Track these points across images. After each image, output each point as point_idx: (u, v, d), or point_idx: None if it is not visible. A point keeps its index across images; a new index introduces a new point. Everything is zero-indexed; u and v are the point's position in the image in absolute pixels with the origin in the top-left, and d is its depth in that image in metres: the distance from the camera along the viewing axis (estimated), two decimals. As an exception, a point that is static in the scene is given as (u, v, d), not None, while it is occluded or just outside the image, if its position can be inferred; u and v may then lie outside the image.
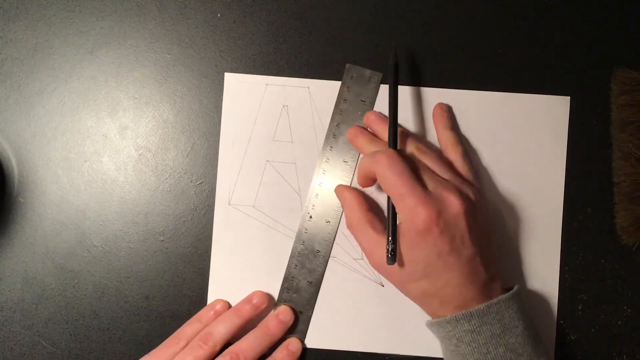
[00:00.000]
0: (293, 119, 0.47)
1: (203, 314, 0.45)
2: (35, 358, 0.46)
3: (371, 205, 0.45)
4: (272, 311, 0.46)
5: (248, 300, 0.45)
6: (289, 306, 0.45)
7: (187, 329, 0.44)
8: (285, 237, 0.46)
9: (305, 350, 0.46)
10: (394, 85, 0.43)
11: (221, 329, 0.43)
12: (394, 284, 0.42)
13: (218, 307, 0.45)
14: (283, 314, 0.45)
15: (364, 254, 0.46)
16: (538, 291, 0.46)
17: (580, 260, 0.46)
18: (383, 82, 0.46)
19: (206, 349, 0.42)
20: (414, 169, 0.40)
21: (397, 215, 0.40)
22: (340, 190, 0.45)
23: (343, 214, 0.46)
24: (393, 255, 0.39)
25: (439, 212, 0.39)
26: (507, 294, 0.40)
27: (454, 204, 0.39)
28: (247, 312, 0.44)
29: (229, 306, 0.46)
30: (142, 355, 0.44)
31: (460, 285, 0.39)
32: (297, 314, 0.46)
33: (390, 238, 0.39)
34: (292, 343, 0.45)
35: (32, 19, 0.47)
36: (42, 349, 0.46)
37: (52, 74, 0.47)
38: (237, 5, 0.47)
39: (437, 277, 0.39)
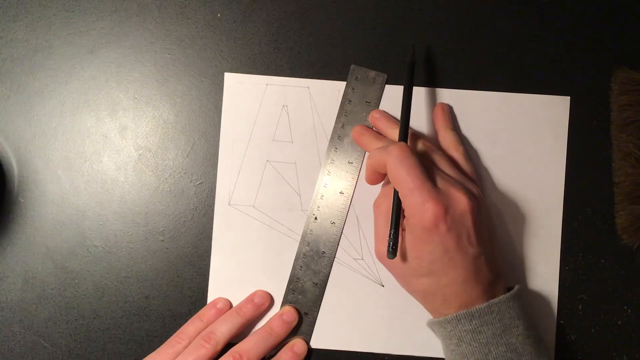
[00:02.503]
0: (293, 119, 0.47)
1: (204, 313, 0.45)
2: (35, 358, 0.46)
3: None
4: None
5: (249, 299, 0.45)
6: (293, 307, 0.45)
7: (189, 327, 0.44)
8: (285, 236, 0.46)
9: (308, 351, 0.46)
10: (409, 80, 0.43)
11: (223, 328, 0.43)
12: (396, 277, 0.42)
13: (219, 305, 0.45)
14: (287, 314, 0.45)
15: (364, 252, 0.46)
16: (538, 291, 0.46)
17: (580, 260, 0.46)
18: (388, 83, 0.47)
19: (208, 348, 0.42)
20: (423, 164, 0.40)
21: (405, 210, 0.40)
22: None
23: (349, 212, 0.46)
24: (394, 250, 0.39)
25: (447, 208, 0.39)
26: (508, 294, 0.40)
27: (461, 201, 0.39)
28: (248, 311, 0.44)
29: (230, 304, 0.46)
30: (142, 356, 0.44)
31: (465, 283, 0.39)
32: (301, 315, 0.46)
33: (392, 232, 0.39)
34: (297, 344, 0.45)
35: (32, 19, 0.47)
36: (42, 349, 0.46)
37: (52, 74, 0.47)
38: (237, 5, 0.47)
39: (442, 274, 0.39)
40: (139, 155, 0.47)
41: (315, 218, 0.46)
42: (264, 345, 0.44)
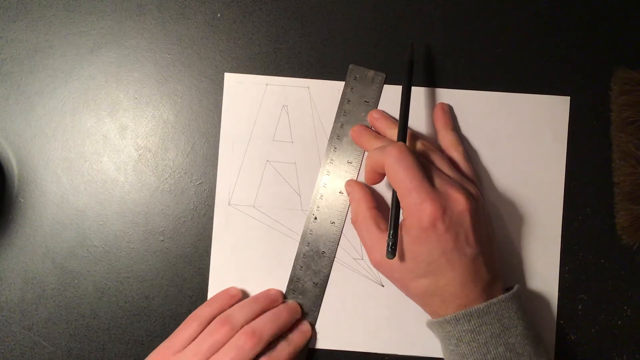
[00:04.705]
0: (293, 119, 0.47)
1: (218, 297, 0.45)
2: (35, 358, 0.46)
3: (378, 204, 0.45)
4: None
5: (265, 293, 0.45)
6: (296, 302, 0.46)
7: (202, 309, 0.44)
8: (285, 237, 0.46)
9: (309, 351, 0.46)
10: (408, 80, 0.43)
11: (239, 314, 0.43)
12: (394, 282, 0.42)
13: (233, 292, 0.45)
14: (291, 305, 0.45)
15: (364, 252, 0.46)
16: (538, 291, 0.46)
17: (580, 260, 0.46)
18: (386, 82, 0.47)
19: (224, 333, 0.42)
20: (421, 164, 0.40)
21: (402, 211, 0.40)
22: (349, 185, 0.45)
23: (349, 212, 0.46)
24: (393, 250, 0.39)
25: (445, 208, 0.39)
26: (507, 294, 0.40)
27: (459, 201, 0.39)
28: (265, 301, 0.44)
29: (243, 293, 0.46)
30: (142, 356, 0.44)
31: (463, 284, 0.39)
32: (303, 313, 0.46)
33: (391, 232, 0.39)
34: (305, 324, 0.45)
35: (32, 19, 0.47)
36: (42, 349, 0.46)
37: (52, 74, 0.47)
38: (237, 5, 0.47)
39: (440, 275, 0.39)
40: (139, 155, 0.47)
41: (315, 218, 0.46)
42: (276, 324, 0.43)
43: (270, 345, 0.43)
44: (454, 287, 0.39)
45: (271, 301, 0.45)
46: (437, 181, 0.40)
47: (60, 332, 0.46)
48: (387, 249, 0.39)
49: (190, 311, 0.46)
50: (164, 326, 0.46)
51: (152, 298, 0.46)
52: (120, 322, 0.46)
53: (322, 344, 0.46)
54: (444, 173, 0.41)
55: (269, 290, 0.46)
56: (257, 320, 0.43)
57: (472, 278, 0.39)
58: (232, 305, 0.44)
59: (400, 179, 0.39)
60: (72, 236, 0.46)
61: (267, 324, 0.43)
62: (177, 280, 0.46)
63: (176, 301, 0.46)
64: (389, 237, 0.39)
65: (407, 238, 0.39)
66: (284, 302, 0.46)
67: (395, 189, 0.40)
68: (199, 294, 0.46)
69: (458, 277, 0.39)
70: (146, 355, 0.44)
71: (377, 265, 0.42)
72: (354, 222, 0.43)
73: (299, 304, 0.46)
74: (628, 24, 0.47)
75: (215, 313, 0.44)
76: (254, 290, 0.46)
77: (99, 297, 0.46)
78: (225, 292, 0.45)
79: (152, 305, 0.46)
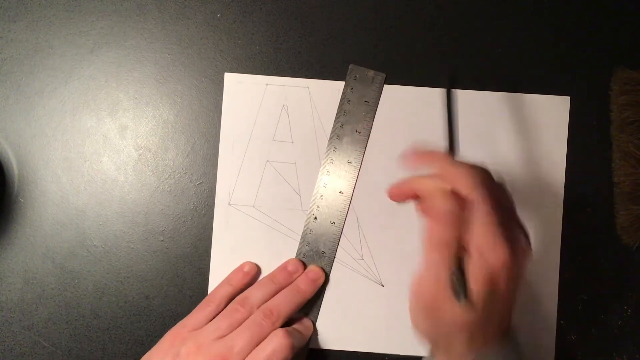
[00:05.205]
0: (293, 119, 0.47)
1: (232, 277, 0.45)
2: (35, 358, 0.46)
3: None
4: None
5: (283, 267, 0.45)
6: (319, 266, 0.46)
7: (218, 290, 0.44)
8: (285, 237, 0.46)
9: (309, 352, 0.46)
10: (448, 107, 0.39)
11: (257, 294, 0.43)
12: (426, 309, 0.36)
13: (246, 269, 0.45)
14: (312, 272, 0.45)
15: (364, 252, 0.46)
16: (538, 291, 0.46)
17: (580, 260, 0.46)
18: (386, 82, 0.47)
19: (243, 313, 0.42)
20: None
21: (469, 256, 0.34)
22: (440, 197, 0.35)
23: (349, 212, 0.46)
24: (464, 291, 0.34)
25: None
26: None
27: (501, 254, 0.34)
28: (282, 278, 0.44)
29: (258, 268, 0.46)
30: (142, 355, 0.44)
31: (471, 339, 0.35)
32: (325, 277, 0.46)
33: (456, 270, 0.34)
34: (306, 321, 0.45)
35: (32, 19, 0.47)
36: (42, 349, 0.46)
37: (52, 74, 0.47)
38: (237, 5, 0.47)
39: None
40: (139, 155, 0.47)
41: (315, 218, 0.46)
42: (293, 301, 0.43)
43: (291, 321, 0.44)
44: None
45: (289, 275, 0.45)
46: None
47: (60, 332, 0.46)
48: (457, 292, 0.34)
49: (190, 311, 0.46)
50: (164, 326, 0.46)
51: (152, 298, 0.46)
52: (120, 322, 0.46)
53: (322, 344, 0.46)
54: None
55: (287, 262, 0.45)
56: (273, 298, 0.43)
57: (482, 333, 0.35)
58: (247, 282, 0.45)
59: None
60: (72, 236, 0.46)
61: (283, 302, 0.43)
62: (177, 280, 0.46)
63: (176, 301, 0.46)
64: (459, 283, 0.34)
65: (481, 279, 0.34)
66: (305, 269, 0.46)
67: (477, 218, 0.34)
68: (199, 294, 0.46)
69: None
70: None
71: (419, 295, 0.35)
72: (429, 240, 0.34)
73: (321, 267, 0.46)
74: (628, 24, 0.47)
75: (231, 293, 0.44)
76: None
77: (99, 297, 0.46)
78: (239, 269, 0.45)
79: (152, 305, 0.46)
